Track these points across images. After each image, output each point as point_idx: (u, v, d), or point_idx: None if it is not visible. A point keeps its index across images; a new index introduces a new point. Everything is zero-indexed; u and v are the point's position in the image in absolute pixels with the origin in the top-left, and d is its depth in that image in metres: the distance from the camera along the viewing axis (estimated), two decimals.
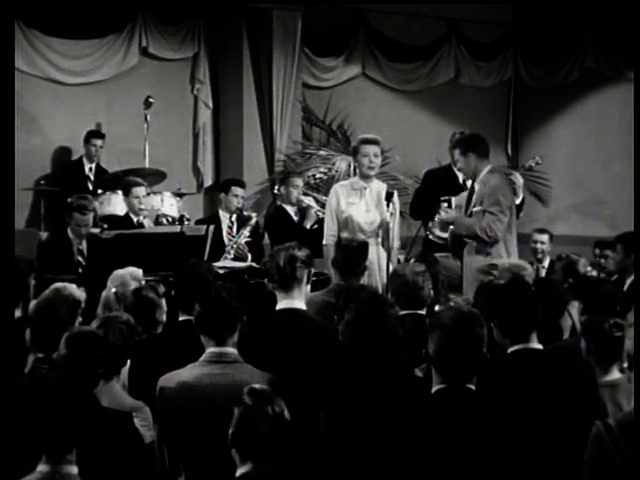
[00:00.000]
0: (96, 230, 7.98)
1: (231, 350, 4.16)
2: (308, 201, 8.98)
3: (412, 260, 6.32)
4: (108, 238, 7.32)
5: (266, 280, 4.86)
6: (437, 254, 6.92)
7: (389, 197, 7.13)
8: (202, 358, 4.17)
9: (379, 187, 7.34)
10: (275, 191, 9.45)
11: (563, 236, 11.07)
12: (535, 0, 12.39)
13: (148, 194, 8.77)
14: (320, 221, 8.52)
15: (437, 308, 5.50)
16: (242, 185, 8.91)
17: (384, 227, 7.15)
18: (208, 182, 11.57)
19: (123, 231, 7.62)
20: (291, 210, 8.89)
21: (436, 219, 7.31)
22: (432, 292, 5.53)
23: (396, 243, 7.39)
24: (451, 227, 7.15)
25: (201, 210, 11.32)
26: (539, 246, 9.59)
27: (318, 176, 11.00)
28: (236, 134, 11.48)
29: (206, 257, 7.30)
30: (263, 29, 11.34)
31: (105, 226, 8.13)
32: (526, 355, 4.19)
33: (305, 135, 11.78)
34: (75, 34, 10.66)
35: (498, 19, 12.77)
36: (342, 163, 11.09)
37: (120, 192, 8.81)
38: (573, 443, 3.19)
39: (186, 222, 8.96)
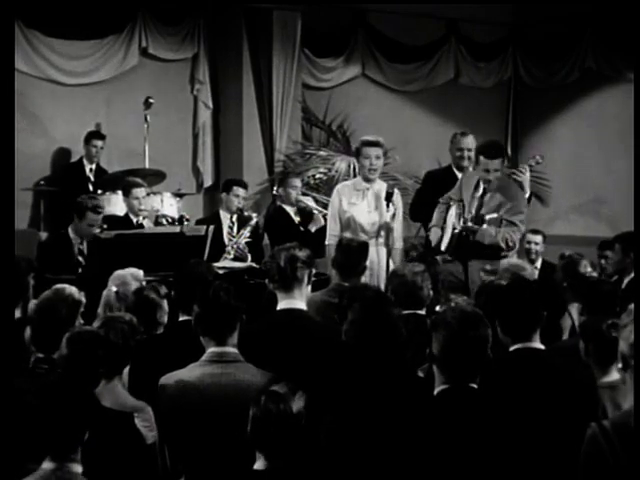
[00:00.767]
0: (96, 230, 7.97)
1: (231, 350, 4.16)
2: (307, 201, 8.98)
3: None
4: (108, 238, 7.32)
5: (267, 280, 4.86)
6: (439, 257, 6.93)
7: (389, 197, 7.14)
8: (203, 358, 4.17)
9: (381, 187, 7.34)
10: (274, 192, 9.44)
11: (563, 236, 11.08)
12: (535, 0, 12.39)
13: (148, 194, 8.77)
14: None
15: (438, 308, 5.51)
16: (244, 186, 8.90)
17: (385, 227, 7.15)
18: (208, 182, 11.57)
19: (123, 231, 7.62)
20: (291, 210, 8.89)
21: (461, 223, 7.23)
22: (432, 292, 5.53)
23: (398, 244, 7.39)
24: (455, 231, 7.12)
25: (201, 210, 11.32)
26: (533, 247, 9.61)
27: (318, 176, 11.00)
28: (236, 134, 11.48)
29: (206, 257, 7.30)
30: (263, 29, 11.35)
31: (105, 226, 8.13)
32: (527, 354, 4.19)
33: (305, 135, 11.78)
34: (75, 35, 10.65)
35: (498, 19, 12.77)
36: (342, 163, 11.09)
37: (120, 192, 8.80)
38: (572, 444, 3.19)
39: (186, 222, 8.96)
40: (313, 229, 8.67)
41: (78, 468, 3.31)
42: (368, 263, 6.08)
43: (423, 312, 5.39)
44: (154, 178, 9.88)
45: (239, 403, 3.74)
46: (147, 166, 10.11)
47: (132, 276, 5.73)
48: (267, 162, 11.44)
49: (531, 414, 3.75)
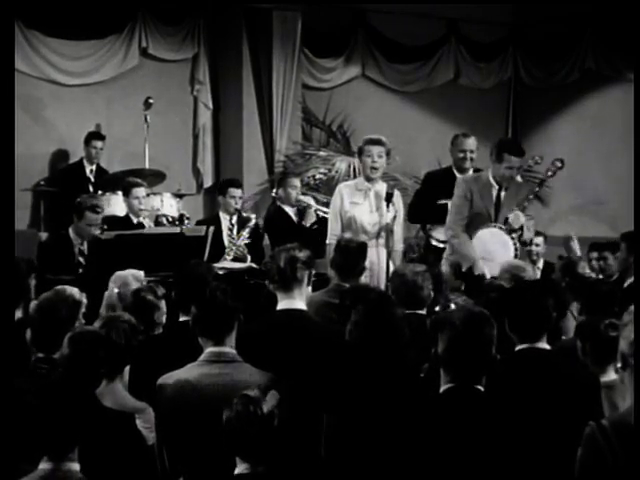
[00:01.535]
0: (96, 231, 7.97)
1: (229, 350, 4.17)
2: (307, 200, 8.99)
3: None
4: (108, 239, 7.32)
5: (267, 281, 4.86)
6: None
7: (389, 197, 7.13)
8: (201, 358, 4.17)
9: (382, 188, 7.34)
10: (273, 193, 9.43)
11: (564, 237, 11.07)
12: (535, 0, 12.39)
13: (148, 195, 8.78)
14: (320, 221, 8.51)
15: (437, 308, 5.51)
16: (238, 185, 8.85)
17: (385, 228, 7.15)
18: (208, 183, 11.58)
19: (123, 232, 7.62)
20: (290, 211, 8.89)
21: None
22: (432, 293, 5.53)
23: (398, 246, 7.37)
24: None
25: (201, 211, 11.33)
26: (534, 248, 9.60)
27: (318, 177, 11.00)
28: (236, 135, 11.49)
29: (206, 258, 7.30)
30: (263, 29, 11.35)
31: (105, 227, 8.13)
32: (533, 355, 4.19)
33: (305, 136, 11.79)
34: (75, 35, 10.66)
35: (498, 19, 12.78)
36: (342, 164, 11.10)
37: (120, 193, 8.81)
38: (575, 444, 3.19)
39: (186, 221, 8.97)
40: (308, 224, 8.67)
41: (76, 467, 3.31)
42: (368, 264, 6.07)
43: (424, 312, 5.40)
44: (154, 178, 9.88)
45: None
46: (147, 166, 10.10)
47: (133, 277, 5.74)
48: (267, 162, 11.45)
49: (535, 414, 3.74)
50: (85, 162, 10.23)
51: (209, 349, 4.16)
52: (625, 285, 6.78)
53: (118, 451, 3.81)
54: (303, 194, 9.21)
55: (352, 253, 5.90)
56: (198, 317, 4.22)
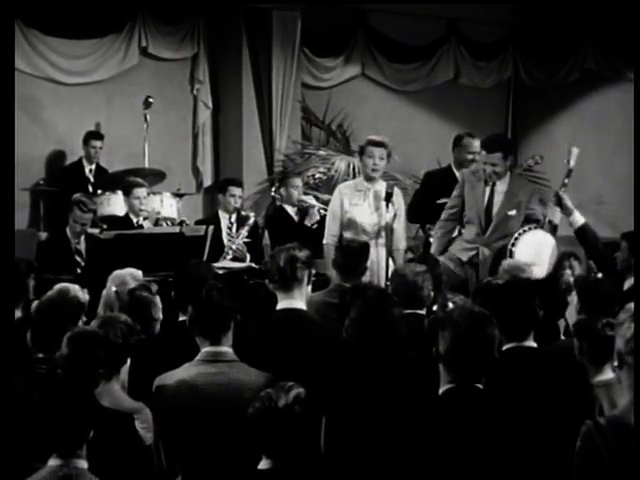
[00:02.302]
0: (95, 230, 7.97)
1: (226, 349, 4.17)
2: (309, 200, 8.98)
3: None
4: (108, 238, 7.32)
5: (267, 280, 4.87)
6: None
7: (388, 197, 7.13)
8: (197, 358, 4.19)
9: (381, 187, 7.34)
10: (273, 193, 9.43)
11: (563, 237, 11.05)
12: (535, 0, 12.39)
13: (148, 194, 8.77)
14: (321, 220, 8.51)
15: (435, 308, 5.51)
16: (238, 184, 8.86)
17: (385, 228, 7.14)
18: (207, 182, 11.57)
19: (123, 231, 7.62)
20: (291, 210, 8.88)
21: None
22: (432, 293, 5.53)
23: (401, 245, 7.37)
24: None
25: (200, 210, 11.32)
26: None
27: (317, 176, 10.99)
28: (236, 134, 11.48)
29: (205, 257, 7.30)
30: (263, 29, 11.35)
31: (105, 227, 8.13)
32: (520, 353, 4.19)
33: (304, 135, 11.78)
34: (75, 34, 10.65)
35: (498, 19, 12.77)
36: (341, 163, 11.10)
37: (120, 192, 8.80)
38: (566, 443, 3.20)
39: (186, 226, 8.96)
40: (309, 224, 8.67)
41: (84, 464, 3.33)
42: (368, 264, 6.08)
43: (423, 312, 5.40)
44: (154, 178, 9.88)
45: (233, 402, 3.76)
46: (147, 166, 10.10)
47: (131, 276, 5.73)
48: (267, 162, 11.44)
49: (524, 413, 3.74)
50: (84, 161, 10.22)
51: (206, 349, 4.17)
52: (625, 285, 6.77)
53: (117, 451, 3.82)
54: (304, 193, 9.20)
55: (354, 253, 5.92)
56: (194, 317, 4.23)
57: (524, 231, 7.02)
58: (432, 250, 7.28)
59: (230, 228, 8.60)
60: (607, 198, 12.01)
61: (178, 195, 9.56)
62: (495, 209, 7.10)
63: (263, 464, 3.28)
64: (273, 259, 4.81)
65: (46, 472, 3.30)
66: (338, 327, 4.50)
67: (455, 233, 7.35)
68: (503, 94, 13.26)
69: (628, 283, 6.65)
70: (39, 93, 10.63)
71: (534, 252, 6.97)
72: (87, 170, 10.19)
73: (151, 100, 10.19)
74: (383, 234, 7.19)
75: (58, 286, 5.09)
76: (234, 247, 8.32)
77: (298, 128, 11.65)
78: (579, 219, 6.99)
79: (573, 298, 5.60)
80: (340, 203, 7.35)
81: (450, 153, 8.38)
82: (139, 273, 5.83)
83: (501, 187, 7.13)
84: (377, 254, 7.09)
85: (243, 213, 8.77)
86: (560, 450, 3.40)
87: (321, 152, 11.34)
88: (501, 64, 13.08)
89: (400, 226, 7.35)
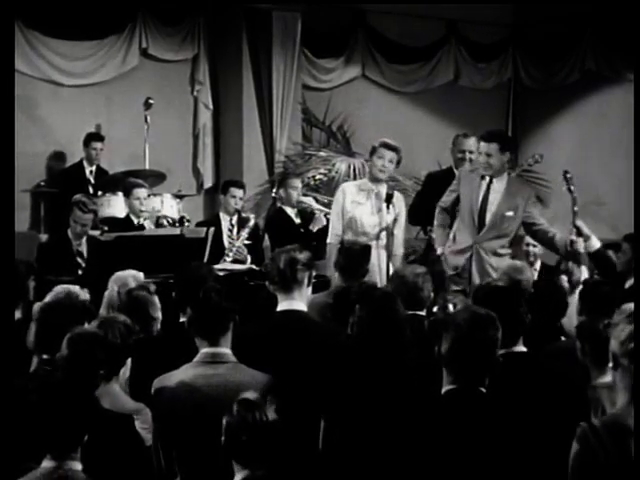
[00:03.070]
0: (96, 232, 7.97)
1: (224, 350, 4.17)
2: (309, 202, 8.98)
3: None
4: (108, 240, 7.33)
5: (267, 282, 4.87)
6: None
7: (389, 199, 7.13)
8: (196, 359, 4.19)
9: (383, 189, 7.34)
10: (273, 194, 9.43)
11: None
12: (535, 0, 12.39)
13: (149, 195, 8.78)
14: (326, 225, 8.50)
15: (435, 309, 5.52)
16: (240, 186, 8.87)
17: (386, 230, 7.14)
18: (208, 183, 11.58)
19: (123, 233, 7.62)
20: (291, 212, 8.88)
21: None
22: (432, 294, 5.53)
23: (399, 250, 7.37)
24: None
25: (201, 211, 11.32)
26: (531, 249, 9.57)
27: (318, 177, 11.00)
28: (236, 135, 11.49)
29: (206, 259, 7.30)
30: (263, 30, 11.35)
31: (105, 228, 8.13)
32: (510, 359, 4.18)
33: (305, 136, 11.78)
34: (75, 35, 10.66)
35: (498, 20, 12.78)
36: (342, 164, 11.09)
37: (120, 194, 8.81)
38: (563, 445, 3.20)
39: (186, 223, 8.96)
40: (315, 229, 8.66)
41: (78, 466, 3.32)
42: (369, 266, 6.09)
43: (424, 313, 5.41)
44: (154, 179, 9.88)
45: (230, 404, 3.74)
46: (147, 167, 10.11)
47: (133, 278, 5.74)
48: (267, 163, 11.44)
49: (524, 415, 3.74)
50: (85, 163, 10.23)
51: (204, 350, 4.18)
52: (626, 286, 6.77)
53: (119, 453, 3.82)
54: (304, 195, 9.20)
55: (355, 255, 5.93)
56: (193, 318, 4.23)
57: None
58: (436, 244, 7.29)
59: (231, 230, 8.60)
60: (607, 198, 12.01)
61: (178, 196, 9.57)
62: (491, 208, 7.07)
63: (239, 476, 3.30)
64: (273, 261, 4.82)
65: (40, 473, 3.30)
66: (339, 328, 4.51)
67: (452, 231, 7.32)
68: (503, 95, 13.26)
69: (628, 284, 6.66)
70: (39, 94, 10.64)
71: None
72: (88, 172, 10.19)
73: (151, 101, 10.20)
74: (383, 236, 7.19)
75: (62, 288, 5.10)
76: (234, 249, 8.33)
77: (298, 129, 11.65)
78: (595, 244, 7.02)
79: (574, 299, 5.60)
80: (342, 201, 7.37)
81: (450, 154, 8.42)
82: (140, 275, 5.84)
83: (498, 186, 7.10)
84: (378, 256, 7.09)
85: (244, 215, 8.78)
86: (560, 452, 3.40)
87: (321, 153, 11.34)
88: (501, 65, 13.08)
89: (400, 231, 7.36)
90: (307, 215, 8.86)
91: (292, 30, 11.42)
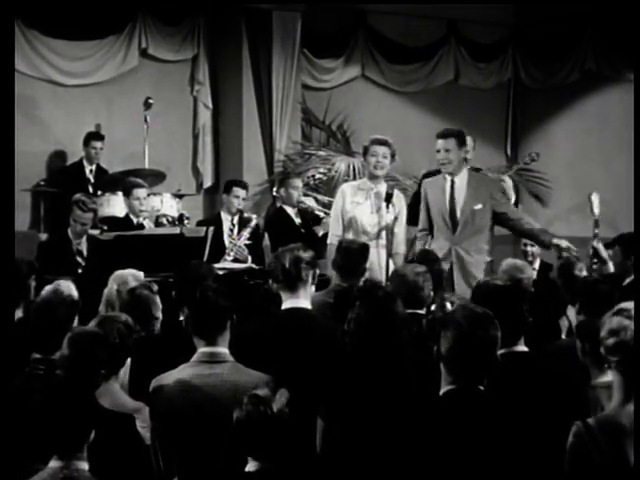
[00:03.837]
0: (96, 232, 7.97)
1: (222, 350, 4.17)
2: (309, 202, 8.98)
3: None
4: (108, 240, 7.32)
5: (270, 281, 4.88)
6: None
7: (388, 198, 7.14)
8: (193, 358, 4.19)
9: (382, 188, 7.35)
10: (274, 193, 9.43)
11: (563, 237, 11.06)
12: (535, 0, 12.40)
13: (148, 195, 8.78)
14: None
15: (433, 307, 5.51)
16: (244, 186, 8.87)
17: (385, 229, 7.14)
18: (208, 183, 11.59)
19: (123, 232, 7.62)
20: (291, 211, 8.88)
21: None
22: (432, 293, 5.53)
23: (401, 249, 7.37)
24: None
25: (201, 211, 11.33)
26: (529, 248, 9.58)
27: (318, 177, 11.01)
28: (236, 135, 11.49)
29: (206, 258, 7.30)
30: (263, 30, 11.35)
31: (105, 228, 8.13)
32: (511, 358, 4.18)
33: (305, 136, 11.79)
34: (75, 35, 10.67)
35: (498, 20, 12.79)
36: (342, 164, 11.10)
37: (120, 193, 8.81)
38: (559, 445, 3.20)
39: (186, 221, 8.96)
40: (320, 233, 8.65)
41: (85, 465, 3.33)
42: (368, 264, 6.08)
43: (423, 312, 5.41)
44: (154, 179, 9.89)
45: (227, 403, 3.74)
46: (147, 167, 10.11)
47: (133, 277, 5.74)
48: (267, 162, 11.45)
49: (524, 415, 3.74)
50: (85, 162, 10.24)
51: (201, 349, 4.17)
52: (624, 284, 6.78)
53: (117, 452, 3.82)
54: (304, 195, 9.20)
55: (354, 254, 5.92)
56: (190, 317, 4.24)
57: None
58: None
59: (232, 230, 8.60)
60: (607, 198, 12.00)
61: (178, 196, 9.57)
62: (459, 205, 7.11)
63: (250, 466, 3.30)
64: (277, 259, 4.82)
65: (47, 474, 3.30)
66: (341, 326, 4.51)
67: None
68: (503, 95, 13.26)
69: (627, 282, 6.66)
70: (39, 94, 10.64)
71: None
72: (87, 171, 10.20)
73: (151, 101, 10.20)
74: (383, 235, 7.20)
75: (50, 286, 5.10)
76: (235, 249, 8.33)
77: (298, 129, 11.66)
78: (609, 269, 7.05)
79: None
80: (342, 202, 7.38)
81: None
82: (140, 274, 5.84)
83: (460, 182, 7.14)
84: (377, 255, 7.09)
85: (245, 215, 8.78)
86: (560, 452, 3.40)
87: (321, 153, 11.35)
88: (501, 65, 13.09)
89: (401, 230, 7.37)
90: (307, 215, 8.86)
91: (292, 30, 11.42)
